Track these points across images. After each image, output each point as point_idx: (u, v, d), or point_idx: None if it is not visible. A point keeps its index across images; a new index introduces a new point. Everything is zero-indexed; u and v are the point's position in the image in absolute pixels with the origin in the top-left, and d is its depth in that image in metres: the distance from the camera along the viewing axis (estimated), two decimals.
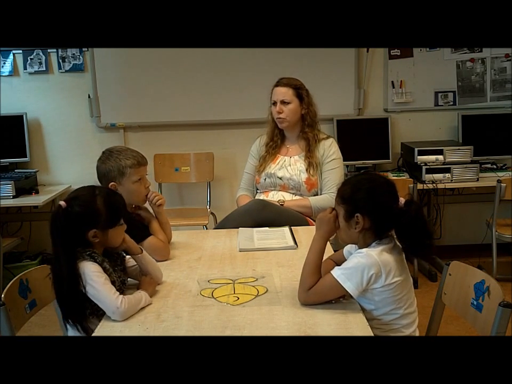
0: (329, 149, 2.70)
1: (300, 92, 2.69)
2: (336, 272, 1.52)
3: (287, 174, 2.69)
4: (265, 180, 2.74)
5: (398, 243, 1.57)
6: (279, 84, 2.71)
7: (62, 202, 1.56)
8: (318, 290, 1.54)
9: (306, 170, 2.67)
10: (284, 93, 2.67)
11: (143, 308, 1.57)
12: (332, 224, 1.59)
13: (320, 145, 2.70)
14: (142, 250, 1.74)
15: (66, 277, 1.50)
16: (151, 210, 2.12)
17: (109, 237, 1.62)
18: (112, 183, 1.97)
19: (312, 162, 2.67)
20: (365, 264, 1.49)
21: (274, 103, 2.69)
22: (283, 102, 2.66)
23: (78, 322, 1.53)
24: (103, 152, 2.03)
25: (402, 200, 1.54)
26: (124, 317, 1.49)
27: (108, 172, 1.98)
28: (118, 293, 1.53)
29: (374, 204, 1.53)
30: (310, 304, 1.54)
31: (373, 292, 1.51)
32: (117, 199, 1.67)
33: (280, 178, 2.70)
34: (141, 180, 2.02)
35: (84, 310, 1.54)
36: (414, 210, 1.50)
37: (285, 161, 2.73)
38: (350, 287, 1.49)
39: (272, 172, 2.72)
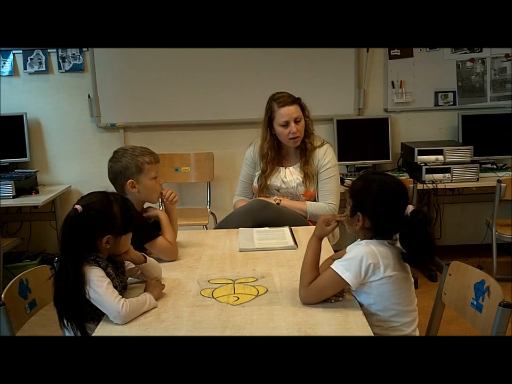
0: (324, 158, 2.63)
1: (302, 103, 2.64)
2: (335, 264, 1.53)
3: (283, 185, 2.67)
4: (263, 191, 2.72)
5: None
6: (284, 103, 2.58)
7: (78, 207, 1.54)
8: (318, 284, 1.54)
9: (303, 182, 2.63)
10: (296, 110, 2.59)
11: None
12: (322, 225, 1.64)
13: (314, 153, 2.64)
14: (145, 259, 1.74)
15: (72, 281, 1.50)
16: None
17: (120, 243, 1.62)
18: (130, 180, 1.97)
19: (308, 174, 2.62)
20: (363, 254, 1.50)
21: (286, 124, 2.57)
22: (296, 120, 2.58)
23: (78, 326, 1.53)
24: (116, 151, 2.03)
25: (410, 208, 1.50)
26: (125, 321, 1.49)
27: (125, 169, 1.97)
28: (120, 296, 1.52)
29: (377, 209, 1.52)
30: (311, 301, 1.55)
31: (372, 285, 1.52)
32: (130, 205, 1.68)
33: (278, 190, 2.68)
34: (157, 177, 2.02)
35: (83, 314, 1.54)
36: (418, 222, 1.48)
37: (280, 172, 2.69)
38: (349, 277, 1.49)
39: (269, 183, 2.68)
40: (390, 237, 1.56)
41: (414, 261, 1.54)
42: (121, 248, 1.64)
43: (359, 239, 1.62)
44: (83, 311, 1.53)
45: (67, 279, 1.50)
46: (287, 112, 2.58)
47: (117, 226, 1.59)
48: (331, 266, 1.53)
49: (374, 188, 1.55)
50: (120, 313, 1.48)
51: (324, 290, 1.55)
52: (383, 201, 1.53)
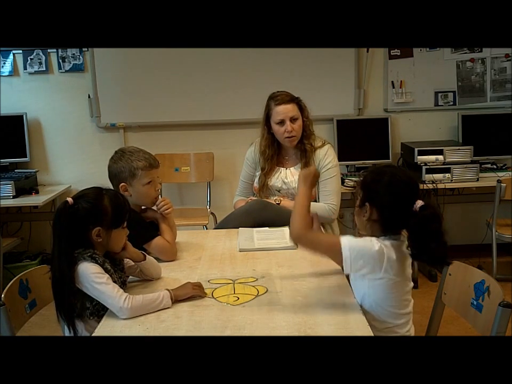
0: (325, 158, 2.62)
1: (300, 103, 2.62)
2: (343, 238, 1.52)
3: (284, 186, 2.66)
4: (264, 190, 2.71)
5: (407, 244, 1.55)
6: (281, 101, 2.58)
7: (69, 199, 1.57)
8: (319, 239, 1.59)
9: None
10: (292, 109, 2.57)
11: None
12: (304, 178, 1.69)
13: (315, 154, 2.63)
14: (145, 257, 1.75)
15: (61, 274, 1.52)
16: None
17: (111, 238, 1.62)
18: (123, 183, 1.98)
19: None
20: (371, 245, 1.49)
21: (281, 122, 2.57)
22: (292, 119, 2.57)
23: (67, 319, 1.54)
24: (116, 152, 2.04)
25: (419, 203, 1.48)
26: (130, 315, 1.50)
27: (119, 172, 1.98)
28: (122, 291, 1.53)
29: (386, 199, 1.51)
30: (301, 244, 1.60)
31: (369, 283, 1.52)
32: (123, 200, 1.68)
33: (279, 191, 2.68)
34: (152, 183, 2.01)
35: (74, 308, 1.55)
36: (426, 216, 1.46)
37: (280, 172, 2.68)
38: (345, 242, 1.49)
39: (270, 184, 2.68)
40: (396, 232, 1.55)
41: (422, 258, 1.52)
42: (113, 243, 1.64)
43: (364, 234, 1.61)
44: (72, 303, 1.54)
45: (56, 271, 1.53)
46: (283, 111, 2.57)
47: (107, 218, 1.60)
48: (341, 237, 1.52)
49: (385, 179, 1.54)
50: (122, 308, 1.49)
51: (319, 246, 1.57)
52: (392, 193, 1.52)
